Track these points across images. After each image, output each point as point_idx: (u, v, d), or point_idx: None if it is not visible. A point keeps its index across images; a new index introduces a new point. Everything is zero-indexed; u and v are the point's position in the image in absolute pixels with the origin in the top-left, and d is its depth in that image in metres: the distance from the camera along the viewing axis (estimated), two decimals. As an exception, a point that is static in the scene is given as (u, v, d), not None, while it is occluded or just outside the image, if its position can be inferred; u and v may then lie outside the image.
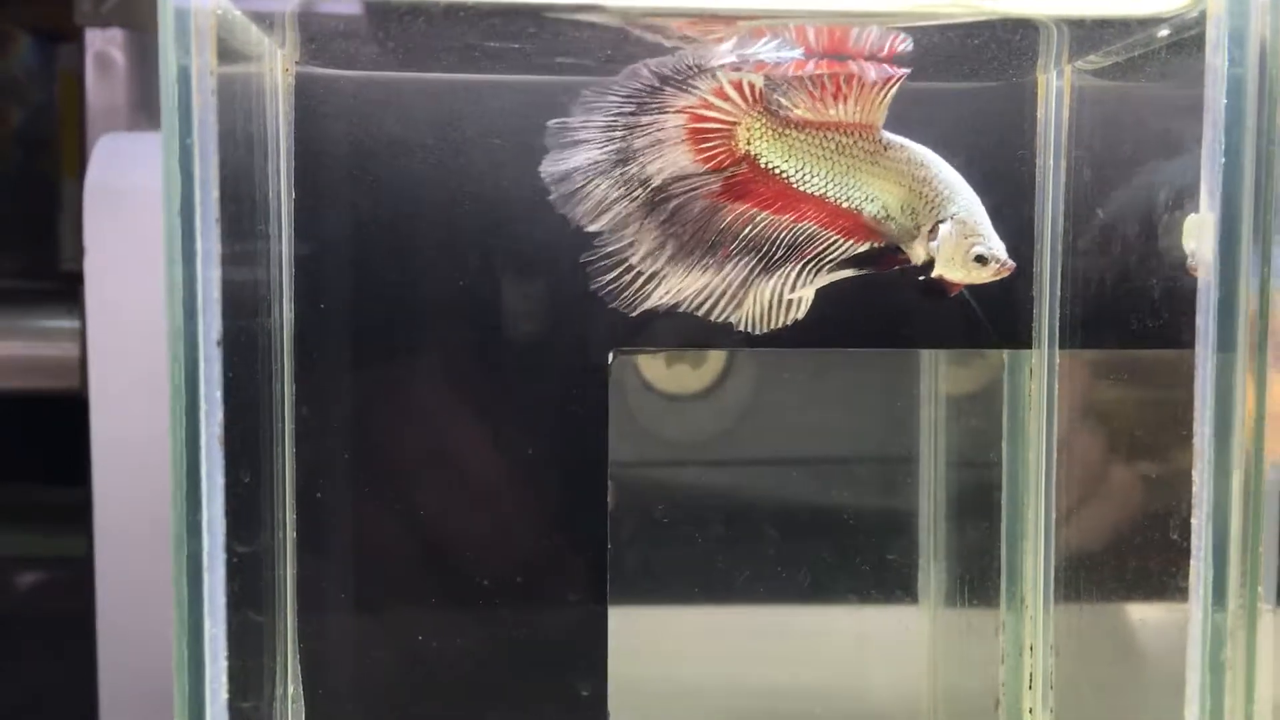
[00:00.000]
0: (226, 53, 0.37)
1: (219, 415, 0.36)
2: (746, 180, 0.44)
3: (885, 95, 0.42)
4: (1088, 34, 0.43)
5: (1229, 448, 0.36)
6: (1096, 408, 0.47)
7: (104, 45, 0.75)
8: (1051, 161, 0.47)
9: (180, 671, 0.37)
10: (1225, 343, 0.36)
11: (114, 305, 0.59)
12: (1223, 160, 0.36)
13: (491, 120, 0.46)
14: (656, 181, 0.44)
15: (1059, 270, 0.47)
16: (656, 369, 0.55)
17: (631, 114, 0.43)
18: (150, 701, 0.59)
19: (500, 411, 0.48)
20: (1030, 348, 0.48)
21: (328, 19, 0.41)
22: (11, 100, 0.86)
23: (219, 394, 0.36)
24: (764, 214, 0.44)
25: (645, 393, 0.55)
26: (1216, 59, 0.36)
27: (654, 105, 0.43)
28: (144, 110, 0.75)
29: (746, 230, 0.44)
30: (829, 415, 0.56)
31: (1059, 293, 0.47)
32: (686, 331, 0.47)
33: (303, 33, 0.43)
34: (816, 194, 0.44)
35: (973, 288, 0.44)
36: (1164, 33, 0.40)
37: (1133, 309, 0.43)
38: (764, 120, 0.43)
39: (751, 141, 0.43)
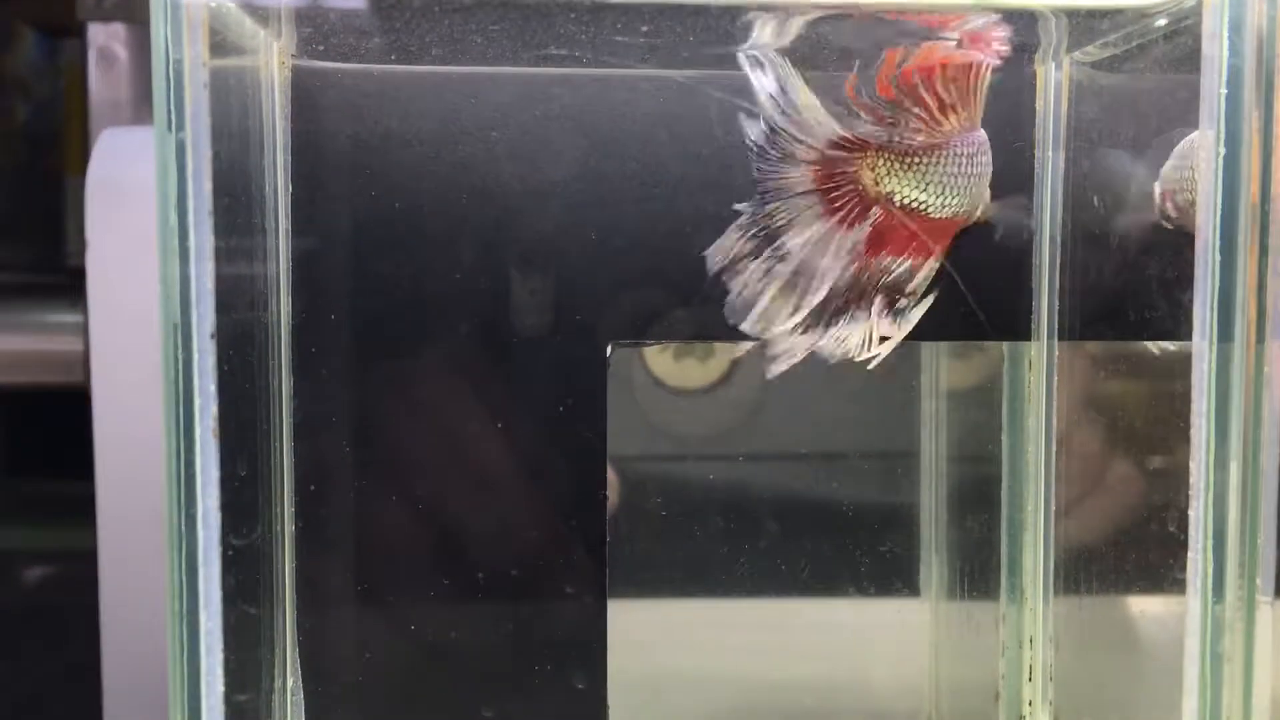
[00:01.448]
0: (221, 46, 0.37)
1: (213, 409, 0.36)
2: (883, 228, 0.42)
3: (982, 90, 0.41)
4: (1085, 25, 0.43)
5: (1227, 439, 0.36)
6: (1095, 400, 0.47)
7: (107, 40, 0.75)
8: (1050, 153, 0.47)
9: (176, 664, 0.37)
10: (1224, 334, 0.36)
11: (116, 299, 0.59)
12: (1222, 151, 0.36)
13: (490, 113, 0.46)
14: (799, 257, 0.42)
15: (1058, 262, 0.47)
16: (664, 364, 0.55)
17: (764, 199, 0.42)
18: (154, 693, 0.59)
19: (499, 405, 0.48)
20: (1029, 340, 0.48)
21: (323, 11, 0.41)
22: (16, 95, 0.86)
23: (213, 387, 0.36)
24: (899, 260, 0.42)
25: (652, 388, 0.55)
26: (1213, 49, 0.36)
27: (774, 174, 0.41)
28: (147, 104, 0.75)
29: (883, 280, 0.43)
30: (831, 409, 0.56)
31: (1058, 285, 0.47)
32: (688, 325, 0.47)
33: (298, 25, 0.43)
34: (950, 216, 0.42)
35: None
36: (1161, 23, 0.40)
37: (1131, 300, 0.43)
38: (886, 155, 0.41)
39: (880, 180, 0.41)
